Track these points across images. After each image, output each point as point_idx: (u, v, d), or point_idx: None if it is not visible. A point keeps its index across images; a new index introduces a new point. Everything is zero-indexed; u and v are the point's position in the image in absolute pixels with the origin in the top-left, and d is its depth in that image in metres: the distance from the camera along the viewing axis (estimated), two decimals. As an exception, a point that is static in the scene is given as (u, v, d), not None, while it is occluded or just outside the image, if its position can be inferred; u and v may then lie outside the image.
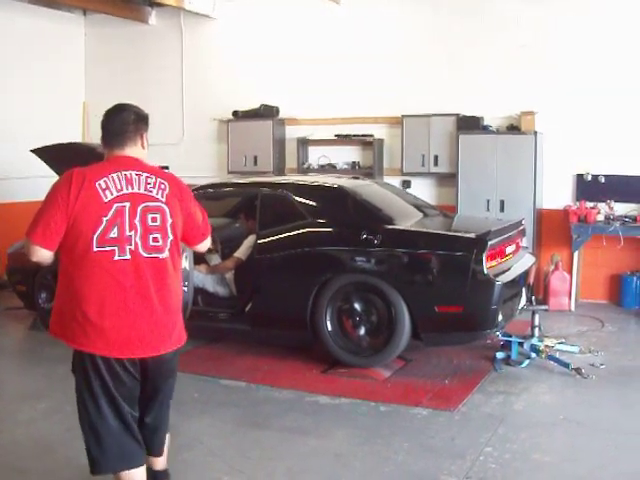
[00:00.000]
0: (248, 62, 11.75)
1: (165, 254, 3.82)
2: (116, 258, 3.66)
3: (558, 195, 10.09)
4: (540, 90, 10.03)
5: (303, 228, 7.35)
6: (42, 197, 3.73)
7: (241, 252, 7.88)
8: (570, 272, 9.72)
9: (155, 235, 3.77)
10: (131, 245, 3.69)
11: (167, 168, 6.79)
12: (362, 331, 7.15)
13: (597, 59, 9.73)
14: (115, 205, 3.67)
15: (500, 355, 7.27)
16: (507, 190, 9.86)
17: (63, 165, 8.30)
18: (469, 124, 10.20)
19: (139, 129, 3.93)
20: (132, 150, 3.90)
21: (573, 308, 9.65)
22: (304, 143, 11.47)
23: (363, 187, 8.00)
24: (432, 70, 10.64)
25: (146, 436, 4.03)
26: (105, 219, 3.64)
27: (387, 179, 10.56)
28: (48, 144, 8.51)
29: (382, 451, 5.34)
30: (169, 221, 3.84)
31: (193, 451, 5.23)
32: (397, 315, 6.86)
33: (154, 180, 3.84)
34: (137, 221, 3.72)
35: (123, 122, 3.88)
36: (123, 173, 3.76)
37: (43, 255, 3.71)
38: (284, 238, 7.36)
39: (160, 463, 4.23)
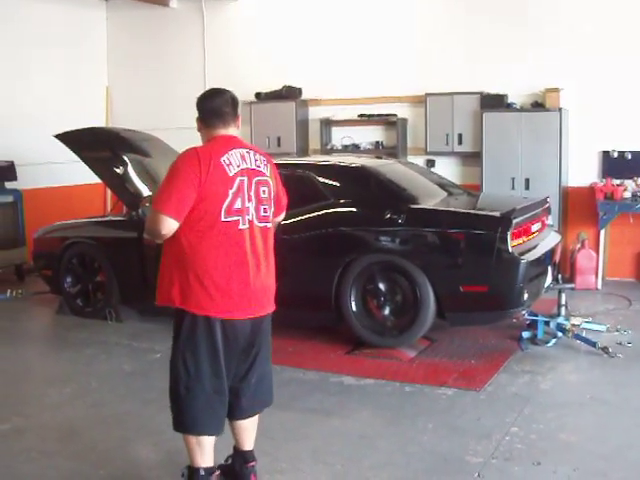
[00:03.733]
0: (270, 43, 11.71)
1: (270, 224, 4.25)
2: (240, 227, 4.01)
3: (584, 172, 9.97)
4: (565, 66, 9.89)
5: (326, 209, 7.33)
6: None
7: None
8: (597, 250, 9.62)
9: (265, 206, 4.16)
10: (249, 215, 4.06)
11: None
12: (387, 311, 7.13)
13: (622, 34, 9.57)
14: (238, 179, 4.01)
15: (526, 334, 7.22)
16: (532, 168, 9.76)
17: (87, 150, 8.46)
18: (493, 102, 10.09)
19: (236, 111, 4.24)
20: (233, 130, 4.21)
21: (600, 286, 9.55)
22: (327, 124, 11.42)
23: (386, 166, 7.95)
24: (455, 48, 10.53)
25: (250, 393, 4.29)
26: (231, 192, 3.98)
27: (411, 158, 10.48)
28: (72, 129, 8.54)
29: (407, 431, 5.33)
30: (273, 193, 4.26)
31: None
32: (422, 295, 6.82)
33: (259, 157, 4.21)
34: (252, 193, 4.09)
35: (223, 103, 4.19)
36: (237, 150, 4.09)
37: (171, 227, 3.93)
38: (308, 219, 7.32)
39: (249, 441, 4.44)
